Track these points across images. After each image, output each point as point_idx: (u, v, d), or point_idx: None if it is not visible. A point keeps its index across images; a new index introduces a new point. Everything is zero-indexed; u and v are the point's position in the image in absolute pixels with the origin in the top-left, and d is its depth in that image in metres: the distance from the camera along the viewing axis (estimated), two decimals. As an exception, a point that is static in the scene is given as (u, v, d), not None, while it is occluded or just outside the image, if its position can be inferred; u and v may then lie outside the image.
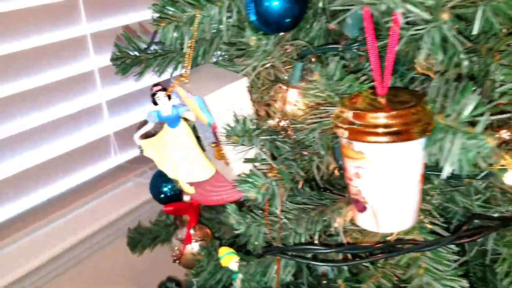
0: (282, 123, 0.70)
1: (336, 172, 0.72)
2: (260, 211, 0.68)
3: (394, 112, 0.51)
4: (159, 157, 0.78)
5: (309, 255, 0.68)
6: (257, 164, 0.66)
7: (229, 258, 0.79)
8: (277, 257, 0.67)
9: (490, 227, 0.62)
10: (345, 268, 0.74)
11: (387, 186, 0.55)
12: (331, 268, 0.73)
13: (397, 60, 0.64)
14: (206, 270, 0.85)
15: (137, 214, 1.35)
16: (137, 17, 1.30)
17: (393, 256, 0.63)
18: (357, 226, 0.75)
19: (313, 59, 0.69)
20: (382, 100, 0.55)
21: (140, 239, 1.26)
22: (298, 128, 0.68)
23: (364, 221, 0.59)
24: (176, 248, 0.97)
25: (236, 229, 0.69)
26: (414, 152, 0.53)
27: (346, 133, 0.54)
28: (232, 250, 0.80)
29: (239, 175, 0.64)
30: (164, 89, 0.71)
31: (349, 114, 0.54)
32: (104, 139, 1.30)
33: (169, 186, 1.13)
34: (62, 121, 1.18)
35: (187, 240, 0.94)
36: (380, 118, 0.52)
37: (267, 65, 0.69)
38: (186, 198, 0.92)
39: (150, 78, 1.35)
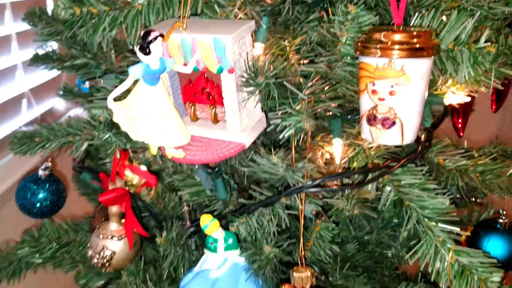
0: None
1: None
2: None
3: (428, 31, 0.63)
4: (128, 121, 0.65)
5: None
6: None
7: (216, 224, 0.74)
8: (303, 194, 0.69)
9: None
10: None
11: (417, 99, 0.65)
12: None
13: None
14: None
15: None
16: None
17: (389, 173, 0.73)
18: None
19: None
20: (399, 29, 0.66)
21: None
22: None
23: (390, 136, 0.67)
24: (104, 248, 0.78)
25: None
26: (431, 67, 0.66)
27: (395, 54, 0.62)
28: (211, 216, 0.74)
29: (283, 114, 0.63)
30: (162, 35, 0.61)
31: (397, 37, 0.62)
32: None
33: (44, 194, 0.93)
34: None
35: (133, 227, 0.78)
36: (419, 36, 0.62)
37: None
38: (129, 179, 0.78)
39: None
